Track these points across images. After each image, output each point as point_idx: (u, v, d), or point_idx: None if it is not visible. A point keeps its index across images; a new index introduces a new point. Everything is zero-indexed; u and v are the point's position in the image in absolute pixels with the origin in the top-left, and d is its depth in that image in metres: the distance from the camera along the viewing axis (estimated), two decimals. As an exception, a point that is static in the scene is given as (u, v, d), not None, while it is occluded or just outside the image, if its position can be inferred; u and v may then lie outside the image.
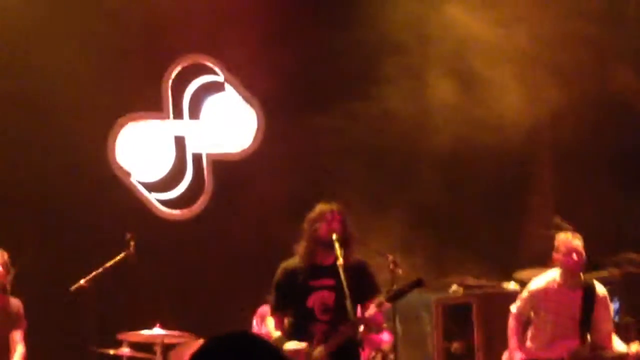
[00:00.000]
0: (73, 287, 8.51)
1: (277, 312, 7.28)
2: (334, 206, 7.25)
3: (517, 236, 10.58)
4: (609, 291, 8.10)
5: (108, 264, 8.74)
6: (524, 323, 8.09)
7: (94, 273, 8.62)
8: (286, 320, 7.28)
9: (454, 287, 9.51)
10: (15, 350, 8.18)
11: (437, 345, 9.68)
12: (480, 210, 10.74)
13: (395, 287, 7.17)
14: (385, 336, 8.71)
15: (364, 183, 10.41)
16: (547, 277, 8.10)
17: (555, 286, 8.01)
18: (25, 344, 8.21)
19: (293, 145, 10.76)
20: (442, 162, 10.78)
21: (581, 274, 7.93)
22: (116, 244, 8.90)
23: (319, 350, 7.05)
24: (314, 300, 7.16)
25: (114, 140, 10.63)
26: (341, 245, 7.04)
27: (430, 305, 9.64)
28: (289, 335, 7.18)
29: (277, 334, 7.22)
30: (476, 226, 10.57)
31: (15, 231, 9.06)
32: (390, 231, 9.77)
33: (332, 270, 7.03)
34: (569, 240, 7.94)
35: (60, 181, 10.05)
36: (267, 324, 7.39)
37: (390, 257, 7.86)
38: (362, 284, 7.07)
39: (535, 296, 8.03)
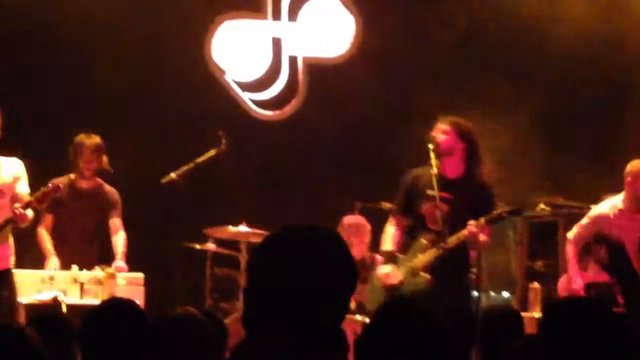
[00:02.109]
0: (164, 180, 8.62)
1: (396, 215, 7.39)
2: (442, 120, 7.27)
3: (609, 160, 10.41)
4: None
5: (199, 159, 8.82)
6: (583, 249, 8.06)
7: (185, 167, 8.72)
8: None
9: (541, 205, 9.42)
10: (115, 236, 8.35)
11: (521, 263, 9.66)
12: (573, 131, 10.60)
13: (495, 211, 7.14)
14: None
15: (474, 85, 10.26)
16: (609, 203, 8.05)
17: (617, 212, 7.96)
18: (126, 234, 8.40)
19: (391, 50, 10.69)
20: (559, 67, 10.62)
21: None
22: (208, 141, 8.97)
23: (418, 260, 7.09)
24: (427, 209, 7.19)
25: (211, 37, 10.64)
26: (437, 156, 7.07)
27: (517, 222, 9.58)
28: (402, 244, 7.27)
29: (387, 247, 7.28)
30: (567, 147, 10.43)
31: (111, 123, 9.16)
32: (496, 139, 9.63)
33: (454, 184, 7.08)
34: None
35: (156, 75, 10.11)
36: (384, 233, 7.45)
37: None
38: (480, 206, 7.08)
39: (598, 222, 7.99)
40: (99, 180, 8.47)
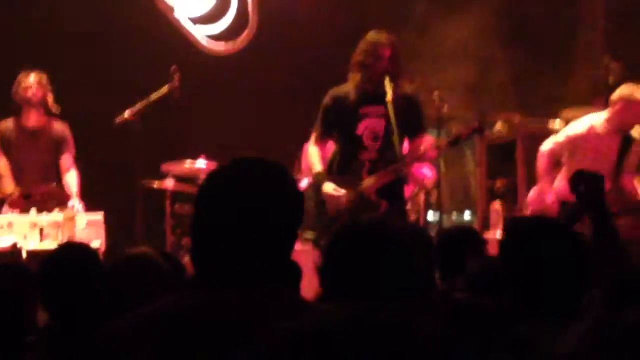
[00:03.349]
0: (118, 120, 8.52)
1: (322, 139, 7.25)
2: (384, 38, 7.11)
3: (564, 75, 10.42)
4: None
5: (153, 97, 8.72)
6: (555, 164, 8.03)
7: (138, 105, 8.62)
8: (331, 151, 7.25)
9: (499, 124, 9.41)
10: (67, 174, 8.24)
11: (480, 183, 9.66)
12: (528, 49, 10.57)
13: (455, 131, 7.12)
14: (428, 172, 8.67)
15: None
16: (586, 123, 7.96)
17: (596, 133, 7.88)
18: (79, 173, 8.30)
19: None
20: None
21: None
22: (160, 77, 8.87)
23: (367, 181, 7.04)
24: (364, 128, 7.12)
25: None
26: (391, 80, 6.97)
27: (475, 142, 9.57)
28: (335, 167, 7.18)
29: (318, 168, 7.19)
30: (523, 64, 10.42)
31: (58, 60, 9.02)
32: (436, 65, 9.63)
33: (384, 98, 6.94)
34: (634, 94, 7.76)
35: (106, 16, 9.96)
36: (309, 155, 7.36)
37: (436, 93, 7.77)
38: (411, 118, 7.02)
39: (574, 141, 7.93)
40: (46, 116, 8.34)
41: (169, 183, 8.77)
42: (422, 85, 8.00)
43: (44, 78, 8.19)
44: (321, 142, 7.24)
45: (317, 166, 7.18)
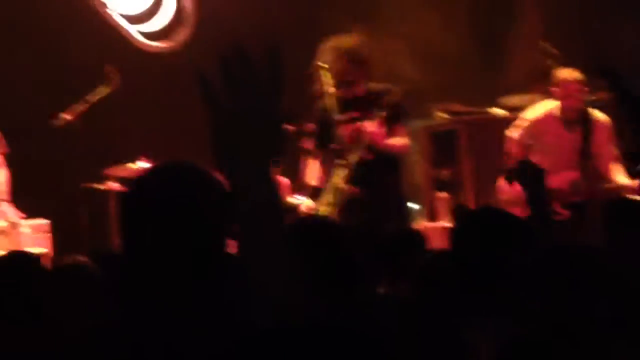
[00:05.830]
0: (56, 122, 8.43)
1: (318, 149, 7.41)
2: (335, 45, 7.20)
3: (502, 62, 10.45)
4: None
5: (90, 98, 8.64)
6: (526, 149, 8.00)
7: (76, 107, 8.53)
8: None
9: (439, 113, 9.41)
10: None
11: (425, 174, 9.64)
12: (465, 35, 10.59)
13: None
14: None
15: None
16: (544, 108, 7.97)
17: (554, 119, 7.89)
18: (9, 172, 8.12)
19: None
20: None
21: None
22: (95, 77, 8.79)
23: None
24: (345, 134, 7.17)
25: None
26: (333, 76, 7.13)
27: (417, 132, 9.54)
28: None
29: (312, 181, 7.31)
30: (460, 51, 10.44)
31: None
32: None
33: (359, 102, 7.13)
34: (570, 76, 7.78)
35: (38, 14, 9.81)
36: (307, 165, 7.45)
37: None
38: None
39: (536, 125, 7.93)
40: None
41: (114, 185, 8.68)
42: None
43: None
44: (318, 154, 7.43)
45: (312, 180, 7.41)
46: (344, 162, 7.04)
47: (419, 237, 5.12)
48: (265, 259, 2.34)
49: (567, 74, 7.79)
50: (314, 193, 7.22)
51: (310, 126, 7.27)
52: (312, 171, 7.31)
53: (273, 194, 2.24)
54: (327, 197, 7.07)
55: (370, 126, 7.03)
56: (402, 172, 7.39)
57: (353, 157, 7.02)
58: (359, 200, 6.99)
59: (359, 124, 7.05)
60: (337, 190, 7.04)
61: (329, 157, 7.21)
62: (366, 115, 7.07)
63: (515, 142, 8.01)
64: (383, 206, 7.00)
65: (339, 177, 7.04)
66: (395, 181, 7.22)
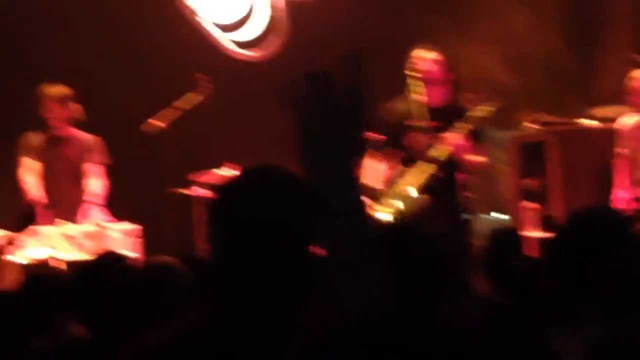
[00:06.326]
0: (145, 127, 8.52)
1: (384, 150, 7.37)
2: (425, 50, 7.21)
3: (591, 73, 10.33)
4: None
5: (181, 104, 8.72)
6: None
7: (166, 112, 8.61)
8: None
9: (528, 124, 9.32)
10: (88, 180, 8.17)
11: (512, 183, 9.55)
12: (554, 45, 10.49)
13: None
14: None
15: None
16: (633, 118, 7.94)
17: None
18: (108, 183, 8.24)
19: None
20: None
21: None
22: (186, 85, 8.86)
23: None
24: (413, 140, 7.18)
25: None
26: (424, 84, 7.15)
27: (505, 142, 9.46)
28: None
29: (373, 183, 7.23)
30: (549, 61, 10.34)
31: (84, 71, 9.00)
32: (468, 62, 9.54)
33: (440, 112, 7.15)
34: None
35: (131, 23, 9.91)
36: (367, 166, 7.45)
37: (470, 96, 7.75)
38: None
39: (629, 134, 7.93)
40: (72, 129, 8.32)
41: (201, 190, 8.73)
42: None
43: (65, 92, 8.16)
44: (384, 155, 7.39)
45: (373, 182, 7.31)
46: (420, 169, 7.03)
47: (517, 242, 5.07)
48: (353, 262, 2.33)
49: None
50: (371, 193, 7.18)
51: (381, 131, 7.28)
52: (370, 171, 7.29)
53: (358, 197, 2.24)
54: (393, 201, 7.04)
55: (456, 138, 7.02)
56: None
57: (430, 167, 7.02)
58: (430, 209, 6.97)
59: (443, 134, 7.04)
60: (407, 196, 7.03)
61: (398, 162, 7.21)
62: (449, 127, 7.07)
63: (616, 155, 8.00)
64: (450, 219, 6.99)
65: (411, 184, 7.03)
66: (462, 197, 7.22)
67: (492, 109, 7.22)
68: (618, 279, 2.88)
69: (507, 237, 4.97)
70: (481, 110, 7.17)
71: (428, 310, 2.71)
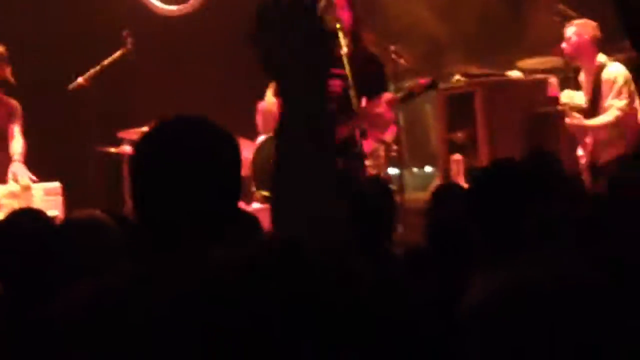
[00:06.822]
0: (71, 86, 8.43)
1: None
2: None
3: (519, 25, 10.39)
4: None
5: (106, 62, 8.64)
6: None
7: (91, 71, 8.53)
8: None
9: (457, 76, 9.32)
10: (12, 142, 8.02)
11: (440, 137, 9.57)
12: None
13: (407, 86, 7.04)
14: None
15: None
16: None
17: None
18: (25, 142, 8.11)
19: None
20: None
21: None
22: (112, 42, 8.77)
23: None
24: None
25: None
26: (346, 35, 6.78)
27: (433, 96, 9.45)
28: None
29: None
30: (477, 16, 10.38)
31: (12, 33, 8.86)
32: (391, 21, 9.56)
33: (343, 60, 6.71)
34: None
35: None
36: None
37: (392, 48, 7.71)
38: (371, 77, 6.86)
39: None
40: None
41: (127, 149, 8.65)
42: (380, 38, 7.92)
43: (2, 51, 7.99)
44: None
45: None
46: None
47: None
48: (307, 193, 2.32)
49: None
50: None
51: None
52: None
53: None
54: None
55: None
56: None
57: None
58: None
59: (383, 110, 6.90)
60: None
61: None
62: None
63: None
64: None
65: None
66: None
67: (428, 87, 7.02)
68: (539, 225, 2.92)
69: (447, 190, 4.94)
70: (419, 87, 6.97)
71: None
